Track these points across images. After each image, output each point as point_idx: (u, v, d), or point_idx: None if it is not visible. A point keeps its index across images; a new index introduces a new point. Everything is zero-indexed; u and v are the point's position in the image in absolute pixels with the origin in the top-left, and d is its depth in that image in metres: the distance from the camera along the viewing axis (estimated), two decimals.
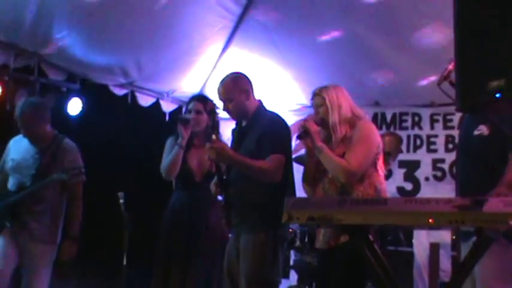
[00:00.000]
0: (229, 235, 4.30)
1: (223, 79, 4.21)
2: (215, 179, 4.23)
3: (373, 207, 2.50)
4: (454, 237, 5.90)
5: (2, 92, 5.54)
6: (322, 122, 3.86)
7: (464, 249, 3.41)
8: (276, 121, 4.14)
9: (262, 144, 3.98)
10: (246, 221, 4.04)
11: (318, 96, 3.90)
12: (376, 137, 3.85)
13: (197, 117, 4.72)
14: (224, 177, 4.16)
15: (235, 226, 4.14)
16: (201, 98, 4.88)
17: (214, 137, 4.07)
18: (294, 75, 6.94)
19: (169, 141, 4.89)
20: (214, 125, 4.35)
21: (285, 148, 4.02)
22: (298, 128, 3.86)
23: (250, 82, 4.23)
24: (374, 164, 3.80)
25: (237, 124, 4.31)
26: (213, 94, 6.35)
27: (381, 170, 3.84)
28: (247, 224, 4.03)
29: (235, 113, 4.17)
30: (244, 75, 4.25)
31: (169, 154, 4.72)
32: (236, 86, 4.14)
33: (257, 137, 4.02)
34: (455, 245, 5.74)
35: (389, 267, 2.71)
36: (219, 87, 4.18)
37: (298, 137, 3.87)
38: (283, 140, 4.04)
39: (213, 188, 4.23)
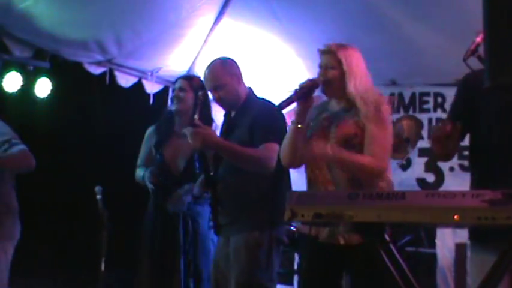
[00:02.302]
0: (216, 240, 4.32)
1: (209, 65, 4.24)
2: (200, 178, 4.25)
3: (389, 202, 2.48)
4: None
5: None
6: (327, 86, 3.68)
7: (478, 252, 3.35)
8: (269, 107, 4.18)
9: (254, 133, 4.00)
10: (238, 220, 4.06)
11: (333, 54, 3.70)
12: None
13: (178, 94, 4.70)
14: (211, 173, 4.19)
15: (224, 228, 4.16)
16: (186, 76, 4.89)
17: (196, 117, 4.07)
18: (297, 50, 6.91)
19: (149, 132, 4.92)
20: (197, 103, 4.28)
21: (280, 136, 4.02)
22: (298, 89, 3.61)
23: (239, 68, 4.28)
24: None
25: (225, 115, 4.32)
26: (203, 71, 6.31)
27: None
28: (238, 223, 4.07)
29: (228, 100, 4.22)
30: (233, 60, 4.30)
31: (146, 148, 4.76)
32: (227, 70, 4.21)
33: (249, 125, 4.04)
34: None
35: (409, 271, 2.70)
36: (206, 74, 4.21)
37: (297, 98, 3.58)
38: (277, 127, 4.05)
39: (197, 189, 4.25)
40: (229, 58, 4.31)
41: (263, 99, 4.28)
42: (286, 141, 3.69)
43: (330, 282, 3.69)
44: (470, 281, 3.36)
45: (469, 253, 3.51)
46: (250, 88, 4.26)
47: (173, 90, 4.83)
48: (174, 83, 4.93)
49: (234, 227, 4.09)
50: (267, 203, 3.88)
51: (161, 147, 4.78)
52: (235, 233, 4.08)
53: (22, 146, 4.56)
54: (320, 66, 3.72)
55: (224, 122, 4.34)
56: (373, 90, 3.69)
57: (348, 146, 3.55)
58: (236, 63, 4.29)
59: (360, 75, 3.66)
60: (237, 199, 4.08)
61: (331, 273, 3.69)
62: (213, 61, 4.26)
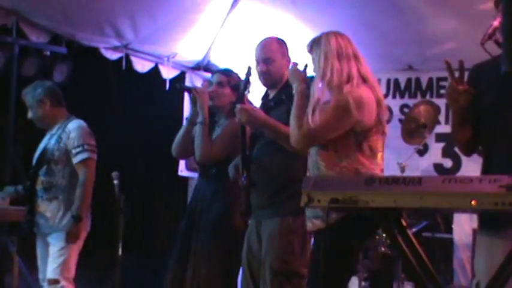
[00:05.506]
0: (249, 221, 4.31)
1: (264, 39, 4.32)
2: (235, 160, 4.26)
3: (406, 188, 2.48)
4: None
5: None
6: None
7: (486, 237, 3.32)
8: None
9: None
10: (271, 203, 4.06)
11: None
12: (367, 109, 3.51)
13: (217, 90, 4.67)
14: (247, 153, 4.20)
15: (257, 210, 4.16)
16: (224, 71, 4.85)
17: (246, 93, 4.20)
18: (314, 33, 6.88)
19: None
20: (247, 80, 4.31)
21: None
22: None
23: (289, 53, 4.36)
24: (358, 144, 3.52)
25: (263, 97, 4.37)
26: (219, 57, 6.28)
27: (371, 152, 3.54)
28: (272, 206, 4.06)
29: (272, 76, 4.24)
30: (286, 44, 4.37)
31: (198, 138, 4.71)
32: (280, 48, 4.29)
33: (287, 107, 4.01)
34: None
35: (426, 257, 2.70)
36: (258, 45, 4.28)
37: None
38: None
39: (232, 171, 4.26)
40: (284, 40, 4.38)
41: None
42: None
43: None
44: (476, 267, 3.29)
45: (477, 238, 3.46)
46: None
47: (209, 82, 4.77)
48: (211, 75, 4.87)
49: (266, 211, 4.08)
50: (300, 187, 3.83)
51: None
52: (269, 216, 4.07)
53: (86, 156, 4.80)
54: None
55: (262, 103, 4.35)
56: None
57: None
58: (288, 47, 4.36)
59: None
60: (270, 180, 4.08)
61: None
62: (269, 37, 4.35)
